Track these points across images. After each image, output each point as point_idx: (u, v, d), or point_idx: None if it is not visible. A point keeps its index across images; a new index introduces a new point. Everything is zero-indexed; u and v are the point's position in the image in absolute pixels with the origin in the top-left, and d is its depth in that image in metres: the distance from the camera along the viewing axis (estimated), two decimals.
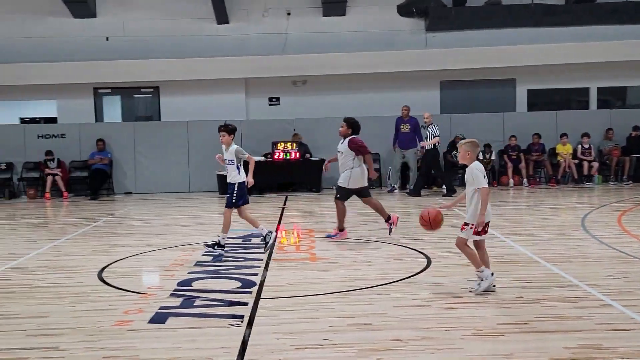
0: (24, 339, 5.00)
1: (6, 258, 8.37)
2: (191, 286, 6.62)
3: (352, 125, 9.31)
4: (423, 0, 18.59)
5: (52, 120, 19.16)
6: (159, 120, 18.98)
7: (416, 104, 16.74)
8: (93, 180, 16.87)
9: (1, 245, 9.60)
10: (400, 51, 18.41)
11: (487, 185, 6.03)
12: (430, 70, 18.43)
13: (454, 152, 16.23)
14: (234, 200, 8.25)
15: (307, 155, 16.85)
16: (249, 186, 8.33)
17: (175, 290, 6.46)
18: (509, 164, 17.09)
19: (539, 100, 19.25)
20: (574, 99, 19.66)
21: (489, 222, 6.08)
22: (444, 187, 15.37)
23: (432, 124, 15.38)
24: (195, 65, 18.19)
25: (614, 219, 10.68)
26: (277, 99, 19.15)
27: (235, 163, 8.28)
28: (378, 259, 7.83)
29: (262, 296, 6.13)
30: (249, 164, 8.36)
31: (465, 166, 6.25)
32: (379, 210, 9.41)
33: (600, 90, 19.25)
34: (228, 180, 8.39)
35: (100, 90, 19.15)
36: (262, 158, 16.78)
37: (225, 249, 8.32)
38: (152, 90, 19.22)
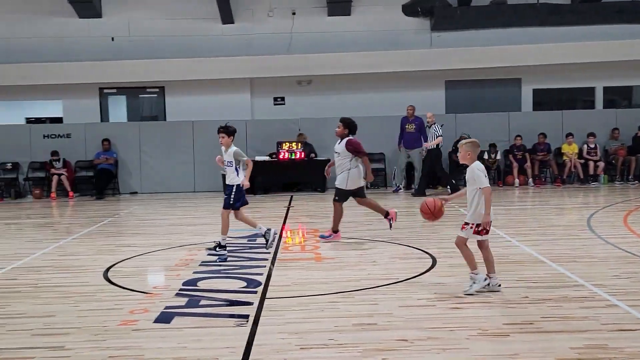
0: (30, 338, 5.02)
1: (12, 258, 8.40)
2: (196, 286, 6.63)
3: (349, 126, 9.22)
4: None
5: (58, 120, 19.21)
6: (165, 120, 19.01)
7: (421, 104, 16.72)
8: (98, 180, 16.91)
9: (7, 245, 9.64)
10: (405, 51, 18.38)
11: (489, 184, 6.01)
12: (436, 69, 18.40)
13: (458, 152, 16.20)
14: (231, 202, 8.28)
15: (312, 155, 16.85)
16: (244, 188, 8.31)
17: (181, 290, 6.47)
18: (515, 164, 17.05)
19: (545, 100, 19.20)
20: (580, 98, 19.61)
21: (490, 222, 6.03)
22: (448, 187, 15.35)
23: (434, 123, 15.38)
24: (200, 65, 18.21)
25: (620, 219, 10.65)
26: (282, 98, 19.16)
27: (234, 165, 8.30)
28: (383, 259, 7.83)
29: (267, 296, 6.13)
30: (247, 166, 8.35)
31: (467, 166, 6.23)
32: (376, 208, 9.40)
33: (606, 89, 19.19)
34: (226, 182, 8.43)
35: (105, 90, 19.18)
36: (267, 158, 16.82)
37: (231, 249, 8.33)
38: (157, 90, 19.24)
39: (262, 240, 8.78)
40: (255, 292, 6.27)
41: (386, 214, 9.33)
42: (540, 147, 17.33)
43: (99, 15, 18.73)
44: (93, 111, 18.86)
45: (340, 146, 9.15)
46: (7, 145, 17.40)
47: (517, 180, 16.95)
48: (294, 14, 18.81)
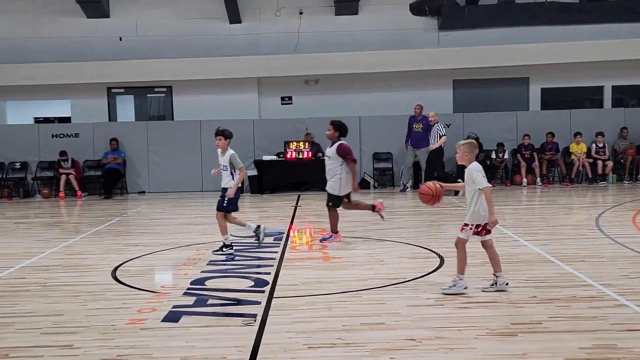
0: (39, 337, 5.04)
1: (21, 257, 8.44)
2: (204, 285, 6.64)
3: (339, 128, 9.05)
4: None
5: (66, 119, 19.29)
6: (172, 119, 19.04)
7: (429, 103, 16.68)
8: (106, 180, 16.96)
9: (16, 244, 9.68)
10: (413, 50, 18.35)
11: (488, 184, 5.99)
12: (443, 69, 18.36)
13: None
14: (225, 205, 8.29)
15: (320, 154, 16.82)
16: (228, 196, 8.25)
17: (189, 289, 6.48)
18: (522, 163, 17.00)
19: (553, 99, 19.13)
20: (588, 97, 19.53)
21: (487, 223, 5.98)
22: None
23: (437, 122, 15.36)
24: (207, 65, 18.24)
25: (629, 219, 10.60)
26: (290, 98, 19.16)
27: (229, 169, 8.31)
28: (390, 259, 7.82)
29: (275, 295, 6.13)
30: (239, 174, 8.30)
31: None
32: (362, 206, 9.36)
33: (615, 88, 19.10)
34: (222, 185, 8.45)
35: (113, 90, 19.23)
36: (274, 157, 16.83)
37: (238, 248, 8.34)
38: (165, 89, 19.28)
39: (269, 240, 8.80)
40: (263, 292, 6.27)
41: (373, 208, 9.28)
42: (549, 146, 17.27)
43: (106, 15, 18.79)
44: (101, 111, 18.93)
45: (331, 150, 9.04)
46: (15, 145, 17.48)
47: (525, 180, 16.90)
48: (301, 13, 18.81)
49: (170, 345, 4.77)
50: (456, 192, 14.74)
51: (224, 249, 8.28)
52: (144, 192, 17.59)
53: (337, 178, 8.94)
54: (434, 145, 15.28)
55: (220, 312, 5.67)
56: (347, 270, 7.21)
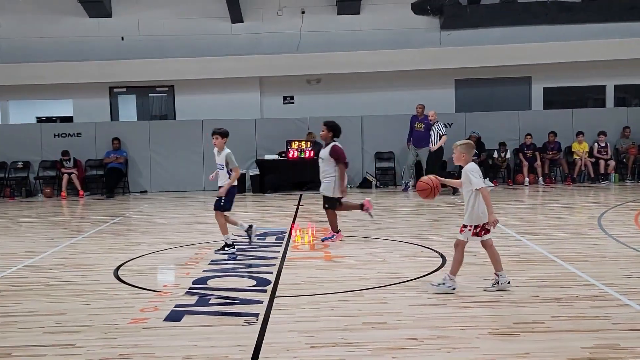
0: (41, 336, 5.04)
1: (23, 256, 8.45)
2: (206, 284, 6.64)
3: (333, 129, 9.06)
4: None
5: (68, 119, 19.31)
6: (174, 119, 19.05)
7: (431, 103, 16.67)
8: (109, 179, 16.98)
9: (18, 244, 9.69)
10: (415, 49, 18.34)
11: (484, 185, 5.98)
12: (445, 68, 18.35)
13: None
14: (222, 204, 8.30)
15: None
16: (220, 195, 8.26)
17: (191, 288, 6.47)
18: (525, 163, 16.99)
19: (555, 98, 19.11)
20: (590, 96, 19.50)
21: (486, 222, 5.97)
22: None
23: (437, 122, 15.35)
24: (209, 64, 18.24)
25: (631, 218, 10.59)
26: (292, 97, 19.16)
27: (226, 168, 8.32)
28: (392, 258, 7.81)
29: (277, 294, 6.13)
30: (233, 174, 8.30)
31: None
32: (350, 207, 9.36)
33: (617, 87, 19.07)
34: (218, 184, 8.45)
35: (115, 90, 19.25)
36: (276, 157, 16.84)
37: (240, 247, 8.34)
38: (167, 89, 19.29)
39: (271, 239, 8.80)
40: (265, 291, 6.27)
41: (361, 207, 9.28)
42: (551, 145, 17.26)
43: (108, 14, 18.80)
44: (103, 110, 18.95)
45: (324, 152, 9.06)
46: (18, 144, 17.52)
47: (527, 179, 16.88)
48: (303, 12, 18.81)
49: (173, 345, 4.77)
50: (456, 191, 14.76)
51: (225, 249, 8.29)
52: (146, 191, 17.61)
53: (331, 180, 8.95)
54: (434, 146, 15.24)
55: (223, 312, 5.67)
56: (349, 270, 7.21)
